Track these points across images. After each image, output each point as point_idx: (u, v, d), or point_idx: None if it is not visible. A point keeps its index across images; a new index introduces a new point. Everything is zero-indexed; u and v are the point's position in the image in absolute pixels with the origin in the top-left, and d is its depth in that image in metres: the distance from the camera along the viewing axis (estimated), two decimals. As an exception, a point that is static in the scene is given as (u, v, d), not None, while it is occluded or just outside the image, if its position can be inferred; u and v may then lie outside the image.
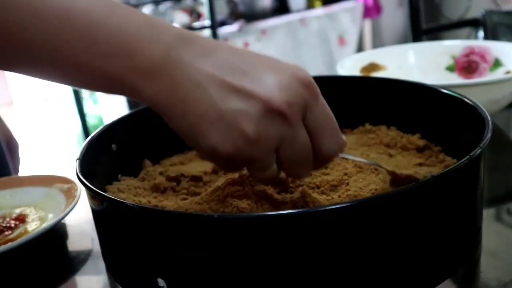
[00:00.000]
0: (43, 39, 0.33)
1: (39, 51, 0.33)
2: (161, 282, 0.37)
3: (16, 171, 0.73)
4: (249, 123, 0.34)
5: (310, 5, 2.87)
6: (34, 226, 0.52)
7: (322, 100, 0.37)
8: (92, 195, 0.41)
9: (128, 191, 0.48)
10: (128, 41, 0.34)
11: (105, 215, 0.41)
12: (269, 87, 0.34)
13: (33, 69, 0.35)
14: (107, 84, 0.35)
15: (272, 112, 0.34)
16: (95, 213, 0.43)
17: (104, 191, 0.44)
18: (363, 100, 0.59)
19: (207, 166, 0.52)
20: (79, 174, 0.41)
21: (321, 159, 0.38)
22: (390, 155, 0.53)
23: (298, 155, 0.37)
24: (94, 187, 0.39)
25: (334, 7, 2.83)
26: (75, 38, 0.33)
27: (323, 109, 0.37)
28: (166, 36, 0.35)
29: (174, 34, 0.35)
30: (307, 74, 0.36)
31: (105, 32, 0.33)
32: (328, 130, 0.37)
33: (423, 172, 0.45)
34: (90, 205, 0.43)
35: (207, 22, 1.85)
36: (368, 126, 0.59)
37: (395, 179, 0.44)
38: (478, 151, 0.38)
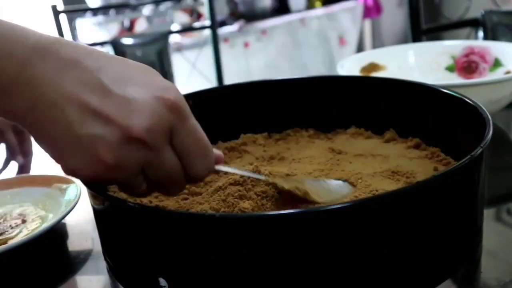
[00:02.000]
0: None
1: None
2: (162, 281, 0.37)
3: (29, 153, 0.70)
4: (107, 150, 0.33)
5: (310, 5, 2.87)
6: (34, 226, 0.52)
7: (191, 121, 0.36)
8: (93, 194, 0.41)
9: (128, 196, 0.48)
10: None
11: (106, 214, 0.41)
12: (130, 112, 0.33)
13: None
14: None
15: (131, 139, 0.33)
16: (97, 213, 0.43)
17: (106, 191, 0.44)
18: (363, 100, 0.59)
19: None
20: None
21: (192, 179, 0.38)
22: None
23: (166, 176, 0.36)
24: (96, 186, 0.39)
25: (334, 7, 2.83)
26: None
27: (191, 132, 0.36)
28: (20, 49, 0.32)
29: (31, 46, 0.32)
30: (175, 96, 0.34)
31: None
32: (197, 153, 0.36)
33: (304, 188, 0.41)
34: (92, 205, 0.43)
35: (207, 22, 1.84)
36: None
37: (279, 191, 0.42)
38: (479, 151, 0.38)
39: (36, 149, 0.71)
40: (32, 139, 0.35)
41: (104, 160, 0.33)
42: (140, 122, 0.33)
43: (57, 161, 0.34)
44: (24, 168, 0.70)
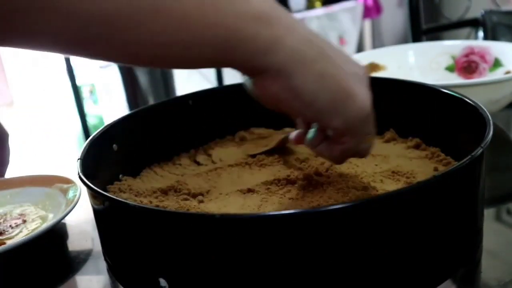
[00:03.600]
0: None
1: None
2: (162, 282, 0.37)
3: (5, 163, 0.70)
4: (366, 84, 0.38)
5: (310, 5, 2.87)
6: (34, 226, 0.52)
7: None
8: (93, 195, 0.41)
9: (129, 191, 0.48)
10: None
11: (106, 215, 0.41)
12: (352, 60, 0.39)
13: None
14: (220, 43, 0.33)
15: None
16: (97, 213, 0.43)
17: (106, 191, 0.44)
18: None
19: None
20: (80, 174, 0.41)
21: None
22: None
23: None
24: (96, 187, 0.39)
25: (334, 7, 2.83)
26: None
27: None
28: (257, 11, 0.34)
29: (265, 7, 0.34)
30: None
31: None
32: None
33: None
34: (92, 205, 0.43)
35: (207, 22, 1.84)
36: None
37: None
38: (479, 151, 0.38)
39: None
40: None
41: (369, 94, 0.38)
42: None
43: (342, 105, 0.36)
44: None
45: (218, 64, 0.35)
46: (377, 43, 3.02)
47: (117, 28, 0.30)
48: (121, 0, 0.30)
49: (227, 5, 0.32)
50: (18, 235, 0.51)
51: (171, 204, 0.45)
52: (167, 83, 2.18)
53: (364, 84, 0.38)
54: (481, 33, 1.25)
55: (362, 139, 0.39)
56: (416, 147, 0.54)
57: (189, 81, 2.24)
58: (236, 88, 0.63)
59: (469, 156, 0.37)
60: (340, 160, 0.42)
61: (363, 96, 0.37)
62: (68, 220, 0.55)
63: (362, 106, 0.37)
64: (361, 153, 0.41)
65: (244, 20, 0.33)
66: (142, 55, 0.33)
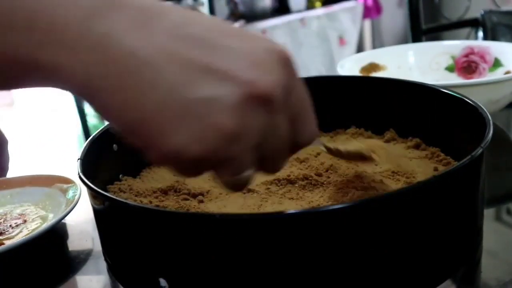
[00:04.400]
0: None
1: None
2: (162, 282, 0.37)
3: (4, 169, 0.69)
4: (226, 114, 0.26)
5: (310, 5, 2.87)
6: (34, 226, 0.52)
7: (300, 80, 0.30)
8: (94, 195, 0.41)
9: (129, 191, 0.48)
10: (25, 8, 0.24)
11: (106, 215, 0.41)
12: (250, 64, 0.26)
13: None
14: (13, 70, 0.26)
15: (256, 98, 0.26)
16: (97, 213, 0.43)
17: (106, 191, 0.44)
18: (363, 100, 0.59)
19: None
20: (80, 174, 0.41)
21: (295, 148, 0.32)
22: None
23: (279, 148, 0.30)
24: (96, 187, 0.39)
25: (334, 7, 2.83)
26: None
27: (303, 91, 0.30)
28: None
29: None
30: (285, 49, 0.28)
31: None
32: (308, 116, 0.31)
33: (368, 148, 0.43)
34: (92, 205, 0.43)
35: (207, 22, 1.85)
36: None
37: (341, 157, 0.45)
38: (479, 151, 0.38)
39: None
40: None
41: (222, 128, 0.26)
42: (266, 76, 0.27)
43: (150, 141, 0.27)
44: None
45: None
46: (377, 43, 3.02)
47: None
48: None
49: (20, 34, 0.25)
50: (18, 235, 0.51)
51: (171, 204, 0.45)
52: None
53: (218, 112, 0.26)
54: (481, 33, 1.25)
55: (228, 176, 0.30)
56: (416, 147, 0.54)
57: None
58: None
59: (469, 156, 0.37)
60: (229, 188, 0.33)
61: (179, 140, 0.26)
62: (68, 220, 0.55)
63: (168, 152, 0.27)
64: (229, 187, 0.32)
65: (43, 48, 0.25)
66: None
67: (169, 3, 0.28)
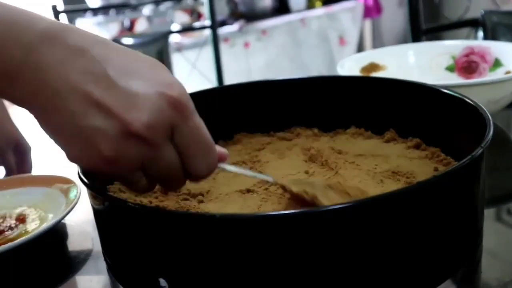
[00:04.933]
0: None
1: None
2: (162, 282, 0.37)
3: None
4: (106, 143, 0.32)
5: (310, 5, 2.87)
6: (34, 226, 0.52)
7: (193, 119, 0.35)
8: (94, 195, 0.41)
9: (129, 191, 0.48)
10: None
11: (106, 214, 0.41)
12: (131, 106, 0.32)
13: None
14: None
15: (130, 134, 0.33)
16: (97, 213, 0.43)
17: (106, 191, 0.44)
18: (363, 100, 0.59)
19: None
20: (80, 174, 0.41)
21: (193, 178, 0.37)
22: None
23: (165, 173, 0.36)
24: (96, 187, 0.39)
25: (334, 7, 2.83)
26: None
27: (193, 130, 0.35)
28: (28, 35, 0.32)
29: (39, 31, 0.32)
30: (178, 92, 0.34)
31: None
32: (198, 152, 0.36)
33: (312, 191, 0.41)
34: (92, 205, 0.43)
35: (207, 22, 1.85)
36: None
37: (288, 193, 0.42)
38: (479, 151, 0.38)
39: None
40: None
41: (103, 153, 0.33)
42: (140, 117, 0.32)
43: (61, 148, 0.34)
44: None
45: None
46: (377, 43, 3.02)
47: None
48: None
49: None
50: (18, 236, 0.51)
51: (171, 204, 0.45)
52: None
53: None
54: (481, 33, 1.25)
55: (125, 185, 0.38)
56: (416, 147, 0.54)
57: (189, 81, 2.24)
58: (236, 88, 0.63)
59: (469, 156, 0.37)
60: (134, 191, 0.40)
61: (75, 155, 0.34)
62: (68, 220, 0.55)
63: (72, 161, 0.35)
64: (134, 191, 0.39)
65: None
66: None
67: (101, 37, 0.34)
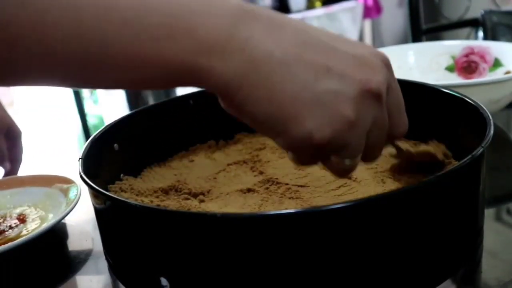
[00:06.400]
0: (79, 33, 0.28)
1: (76, 49, 0.28)
2: (164, 281, 0.37)
3: (17, 160, 0.70)
4: (348, 104, 0.32)
5: (310, 5, 2.87)
6: (34, 226, 0.52)
7: (396, 79, 0.36)
8: (95, 194, 0.41)
9: (130, 191, 0.48)
10: (183, 19, 0.30)
11: (107, 214, 0.41)
12: (363, 66, 0.32)
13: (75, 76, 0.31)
14: (165, 75, 0.31)
15: (369, 92, 0.32)
16: (98, 213, 0.43)
17: (107, 191, 0.44)
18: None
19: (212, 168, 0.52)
20: (82, 173, 0.41)
21: (389, 139, 0.37)
22: None
23: (381, 136, 0.35)
24: (97, 186, 0.39)
25: (334, 7, 2.83)
26: (119, 26, 0.28)
27: (398, 89, 0.36)
28: (225, 9, 0.31)
29: (235, 5, 0.31)
30: (383, 53, 0.35)
31: (154, 13, 0.29)
32: (402, 110, 0.36)
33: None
34: (93, 205, 0.43)
35: (207, 22, 1.84)
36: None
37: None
38: (480, 150, 0.38)
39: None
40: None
41: (346, 115, 0.32)
42: (375, 76, 0.32)
43: (285, 128, 0.32)
44: (10, 174, 0.70)
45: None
46: (377, 43, 3.02)
47: (83, 72, 0.30)
48: (83, 45, 0.29)
49: (172, 43, 0.30)
50: (18, 236, 0.51)
51: (172, 203, 0.45)
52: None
53: (343, 108, 0.32)
54: (481, 33, 1.25)
55: (343, 160, 0.35)
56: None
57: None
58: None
59: (470, 156, 0.37)
60: (338, 175, 0.38)
61: (311, 125, 0.32)
62: (68, 220, 0.55)
63: (302, 136, 0.32)
64: (339, 173, 0.37)
65: (194, 54, 0.30)
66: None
67: (284, 15, 0.34)
